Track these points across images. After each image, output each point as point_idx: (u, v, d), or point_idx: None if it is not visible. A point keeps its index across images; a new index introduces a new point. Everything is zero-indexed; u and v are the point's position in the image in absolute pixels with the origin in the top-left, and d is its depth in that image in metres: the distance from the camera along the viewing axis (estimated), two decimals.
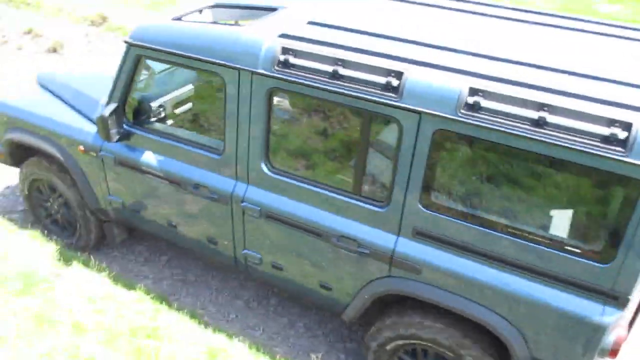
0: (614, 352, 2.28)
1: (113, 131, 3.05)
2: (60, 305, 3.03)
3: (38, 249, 3.56)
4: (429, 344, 2.66)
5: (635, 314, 2.37)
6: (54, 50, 7.27)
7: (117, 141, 3.12)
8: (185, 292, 3.68)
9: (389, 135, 2.51)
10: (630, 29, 2.74)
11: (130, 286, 3.42)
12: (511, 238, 2.30)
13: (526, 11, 2.98)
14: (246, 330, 3.38)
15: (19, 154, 3.79)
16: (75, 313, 2.98)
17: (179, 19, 3.07)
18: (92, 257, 3.66)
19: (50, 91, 3.73)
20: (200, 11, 3.21)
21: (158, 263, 3.93)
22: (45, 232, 3.90)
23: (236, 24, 3.18)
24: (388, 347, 2.82)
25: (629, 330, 2.33)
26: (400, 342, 2.75)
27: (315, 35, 2.60)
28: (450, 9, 2.99)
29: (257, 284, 3.68)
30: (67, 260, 3.49)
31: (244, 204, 2.91)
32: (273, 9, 3.04)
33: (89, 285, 3.26)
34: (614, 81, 2.13)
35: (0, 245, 3.49)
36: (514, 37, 2.66)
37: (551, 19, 2.86)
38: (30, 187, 3.85)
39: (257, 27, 2.77)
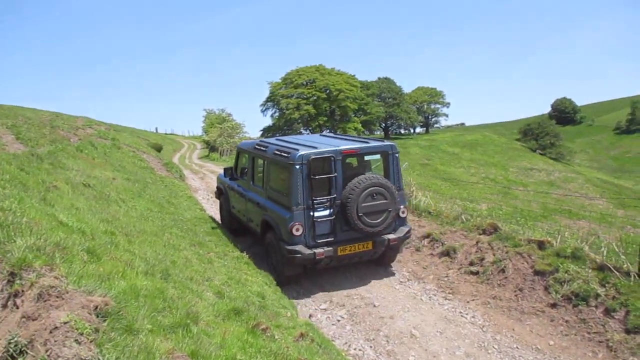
0: (290, 230, 6.77)
1: (228, 174, 9.92)
2: None
3: None
4: (270, 241, 7.54)
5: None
6: (447, 254, 7.68)
7: (230, 179, 9.85)
8: None
9: (267, 168, 8.11)
10: (357, 138, 8.40)
11: None
12: (277, 193, 7.43)
13: (344, 135, 9.02)
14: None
15: (219, 193, 10.76)
16: None
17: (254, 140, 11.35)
18: None
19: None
20: (268, 136, 10.22)
21: None
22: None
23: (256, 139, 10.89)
24: (266, 243, 7.67)
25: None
26: (267, 240, 7.59)
27: (267, 141, 8.64)
28: (328, 136, 8.94)
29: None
30: None
31: (248, 198, 8.63)
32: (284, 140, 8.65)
33: None
34: (307, 145, 7.34)
35: None
36: (319, 139, 8.33)
37: (346, 137, 8.65)
38: (220, 206, 10.91)
39: (259, 140, 9.08)
